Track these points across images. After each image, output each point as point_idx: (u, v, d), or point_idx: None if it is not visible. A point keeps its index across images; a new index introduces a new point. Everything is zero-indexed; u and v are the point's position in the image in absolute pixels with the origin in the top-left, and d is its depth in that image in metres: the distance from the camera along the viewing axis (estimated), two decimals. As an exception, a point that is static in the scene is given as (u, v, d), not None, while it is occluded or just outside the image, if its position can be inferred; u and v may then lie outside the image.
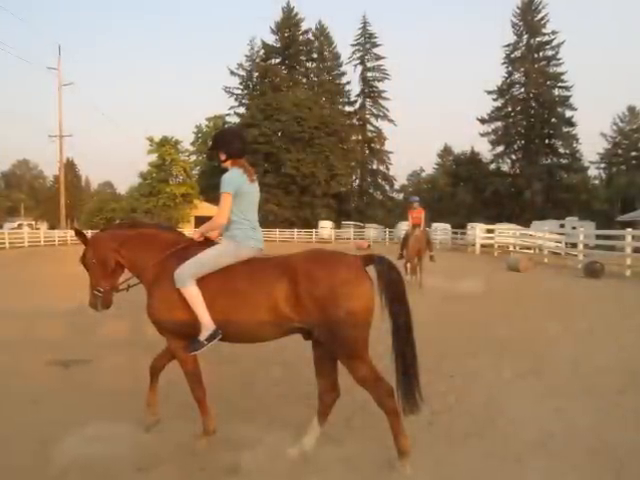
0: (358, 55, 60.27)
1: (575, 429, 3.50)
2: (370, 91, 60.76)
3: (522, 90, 51.68)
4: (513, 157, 52.83)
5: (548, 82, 50.16)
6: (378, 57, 60.22)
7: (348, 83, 60.81)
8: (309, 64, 60.41)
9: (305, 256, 3.00)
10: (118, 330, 6.45)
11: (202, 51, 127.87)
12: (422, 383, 2.97)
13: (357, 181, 61.18)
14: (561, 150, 50.38)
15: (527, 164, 49.79)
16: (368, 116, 60.81)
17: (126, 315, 6.20)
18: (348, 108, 61.06)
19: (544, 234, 21.39)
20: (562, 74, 49.86)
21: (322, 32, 59.66)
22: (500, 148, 52.52)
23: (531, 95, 50.71)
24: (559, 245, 21.25)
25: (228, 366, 4.88)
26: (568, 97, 49.57)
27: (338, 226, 46.07)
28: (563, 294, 10.58)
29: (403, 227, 26.08)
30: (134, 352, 5.29)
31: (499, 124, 52.62)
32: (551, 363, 5.17)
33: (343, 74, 60.72)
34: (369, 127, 60.94)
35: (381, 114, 60.43)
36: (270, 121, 49.54)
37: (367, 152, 61.09)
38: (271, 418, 3.65)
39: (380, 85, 60.70)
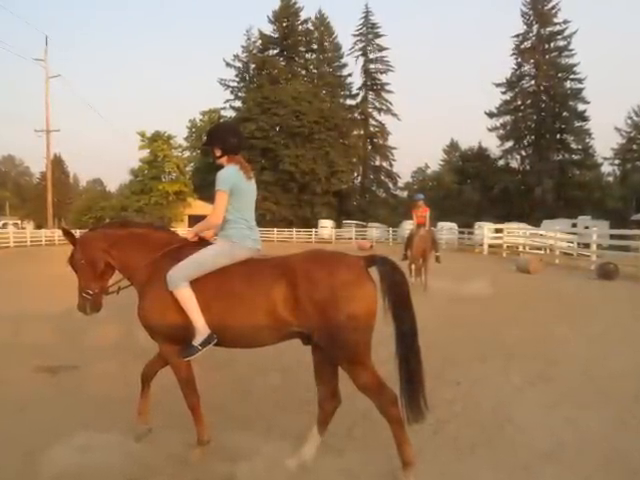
0: (360, 46, 60.28)
1: (588, 438, 3.50)
2: (372, 84, 60.73)
3: (532, 83, 51.61)
4: (523, 153, 52.75)
5: (559, 74, 50.08)
6: (381, 48, 60.22)
7: (350, 75, 60.83)
8: (308, 55, 60.36)
9: (304, 257, 3.01)
10: (108, 335, 6.45)
11: (196, 42, 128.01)
12: (427, 390, 2.97)
13: (359, 178, 61.13)
14: (573, 145, 50.31)
15: (537, 160, 49.76)
16: (370, 110, 60.79)
17: (116, 319, 6.21)
18: (349, 102, 61.08)
19: (555, 234, 21.38)
20: (574, 66, 49.78)
21: (322, 22, 59.63)
22: (509, 143, 52.46)
23: (542, 88, 50.65)
24: (571, 245, 21.26)
25: (224, 372, 4.88)
26: (580, 90, 49.49)
27: (339, 225, 46.08)
28: (575, 296, 10.59)
29: (407, 226, 26.09)
30: (125, 358, 5.30)
31: (508, 118, 52.55)
32: (562, 368, 5.18)
33: (344, 66, 60.72)
34: (371, 121, 60.92)
35: (384, 108, 60.41)
36: (268, 115, 49.50)
37: (369, 148, 61.08)
38: (269, 427, 3.66)
39: (383, 77, 60.73)
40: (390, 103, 60.18)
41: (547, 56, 50.52)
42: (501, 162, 53.04)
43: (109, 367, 5.18)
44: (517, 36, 51.82)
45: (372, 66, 60.64)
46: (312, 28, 59.50)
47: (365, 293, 2.83)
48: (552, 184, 47.93)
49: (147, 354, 3.56)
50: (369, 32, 60.22)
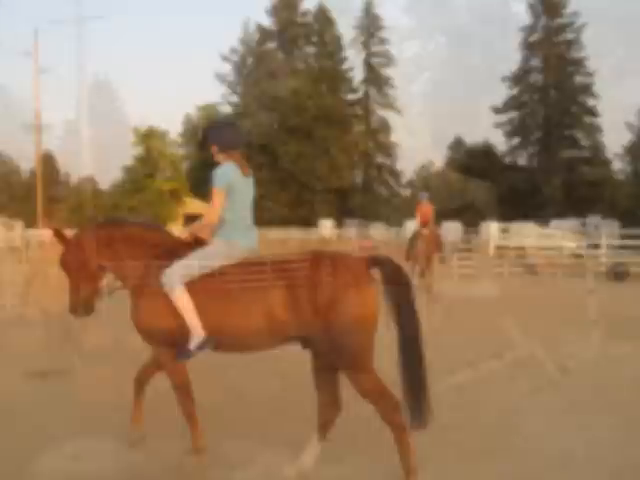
0: (361, 39, 60.27)
1: (598, 447, 3.50)
2: (375, 78, 60.74)
3: (540, 77, 51.63)
4: (530, 150, 52.75)
5: (568, 68, 50.11)
6: (383, 41, 60.21)
7: (351, 69, 60.79)
8: (308, 49, 60.38)
9: (304, 257, 3.00)
10: (100, 338, 6.44)
11: (193, 35, 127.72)
12: (431, 395, 2.97)
13: (360, 176, 61.14)
14: (582, 142, 50.31)
15: (545, 157, 49.76)
16: (372, 105, 60.78)
17: (109, 322, 6.19)
18: (351, 96, 60.92)
19: (564, 233, 21.38)
20: (584, 59, 49.82)
21: (322, 14, 59.63)
22: (516, 140, 52.45)
23: (550, 82, 50.68)
24: (580, 246, 21.26)
25: (220, 377, 4.88)
26: (590, 84, 49.53)
27: (340, 225, 46.05)
28: (584, 298, 10.56)
29: (411, 226, 26.09)
30: (117, 362, 5.29)
31: (515, 114, 52.49)
32: (572, 374, 5.17)
33: (345, 59, 60.72)
34: (373, 117, 60.93)
35: (386, 103, 60.39)
36: (266, 111, 49.52)
37: (371, 144, 61.09)
38: (266, 433, 3.65)
39: (385, 71, 60.68)
40: (393, 98, 60.21)
41: (555, 50, 50.47)
42: (508, 159, 53.01)
43: (101, 372, 5.17)
44: (525, 29, 51.79)
45: (374, 59, 60.63)
46: (312, 20, 59.49)
47: (367, 295, 2.83)
48: (561, 182, 47.88)
49: (141, 358, 3.56)
50: (371, 24, 60.19)
